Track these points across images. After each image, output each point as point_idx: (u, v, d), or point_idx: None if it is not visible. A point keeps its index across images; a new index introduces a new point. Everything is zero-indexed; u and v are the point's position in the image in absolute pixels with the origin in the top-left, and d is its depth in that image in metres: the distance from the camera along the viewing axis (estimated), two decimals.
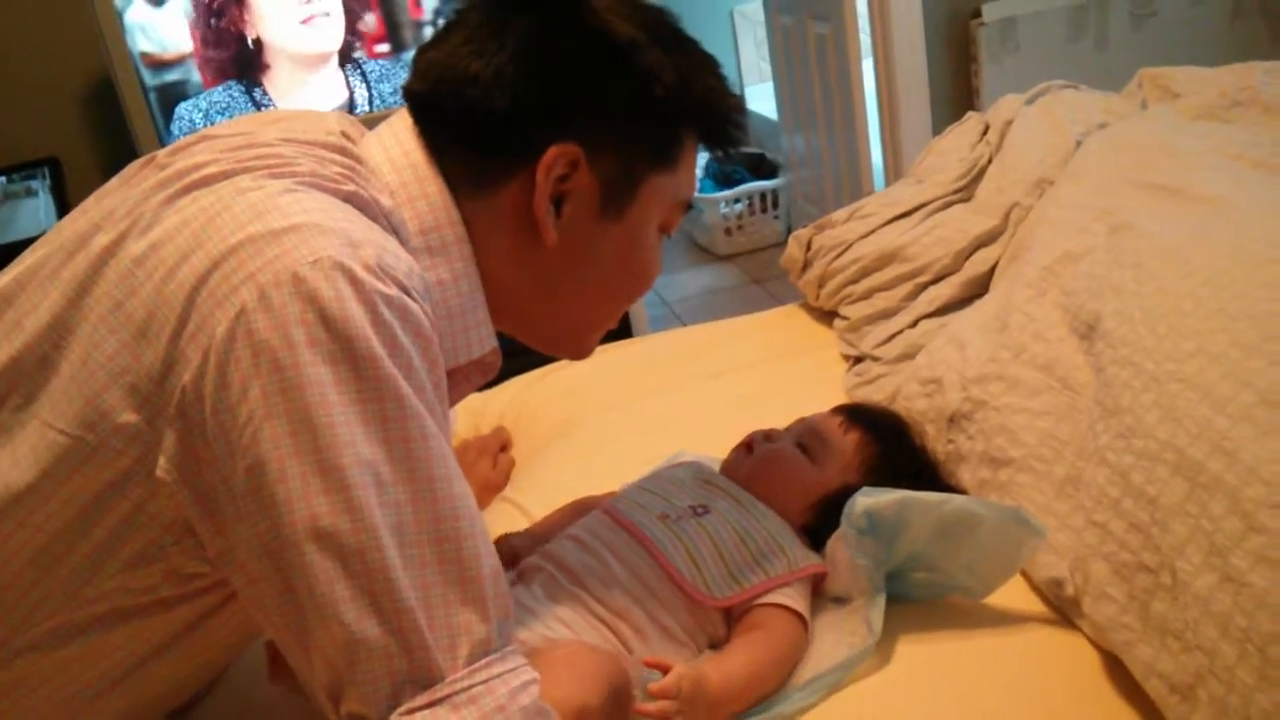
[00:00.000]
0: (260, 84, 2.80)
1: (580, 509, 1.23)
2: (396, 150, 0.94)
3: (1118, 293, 1.15)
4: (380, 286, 0.78)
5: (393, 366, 0.77)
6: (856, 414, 1.28)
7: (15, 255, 0.92)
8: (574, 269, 0.97)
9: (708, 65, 0.98)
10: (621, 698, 0.94)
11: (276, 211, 0.80)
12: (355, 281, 0.77)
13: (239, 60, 2.77)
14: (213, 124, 2.71)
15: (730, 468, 1.23)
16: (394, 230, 0.89)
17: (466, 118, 0.92)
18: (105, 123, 2.92)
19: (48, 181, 2.79)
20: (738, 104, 1.00)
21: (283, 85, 2.82)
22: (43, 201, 2.70)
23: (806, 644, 1.08)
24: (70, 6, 2.78)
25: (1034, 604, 1.12)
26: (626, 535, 1.10)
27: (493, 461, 1.61)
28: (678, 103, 0.95)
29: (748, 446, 1.23)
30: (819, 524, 1.15)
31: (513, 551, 1.16)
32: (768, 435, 1.24)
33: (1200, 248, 1.11)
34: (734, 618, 1.08)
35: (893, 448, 1.25)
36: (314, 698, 0.78)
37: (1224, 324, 0.99)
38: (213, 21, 2.71)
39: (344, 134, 0.93)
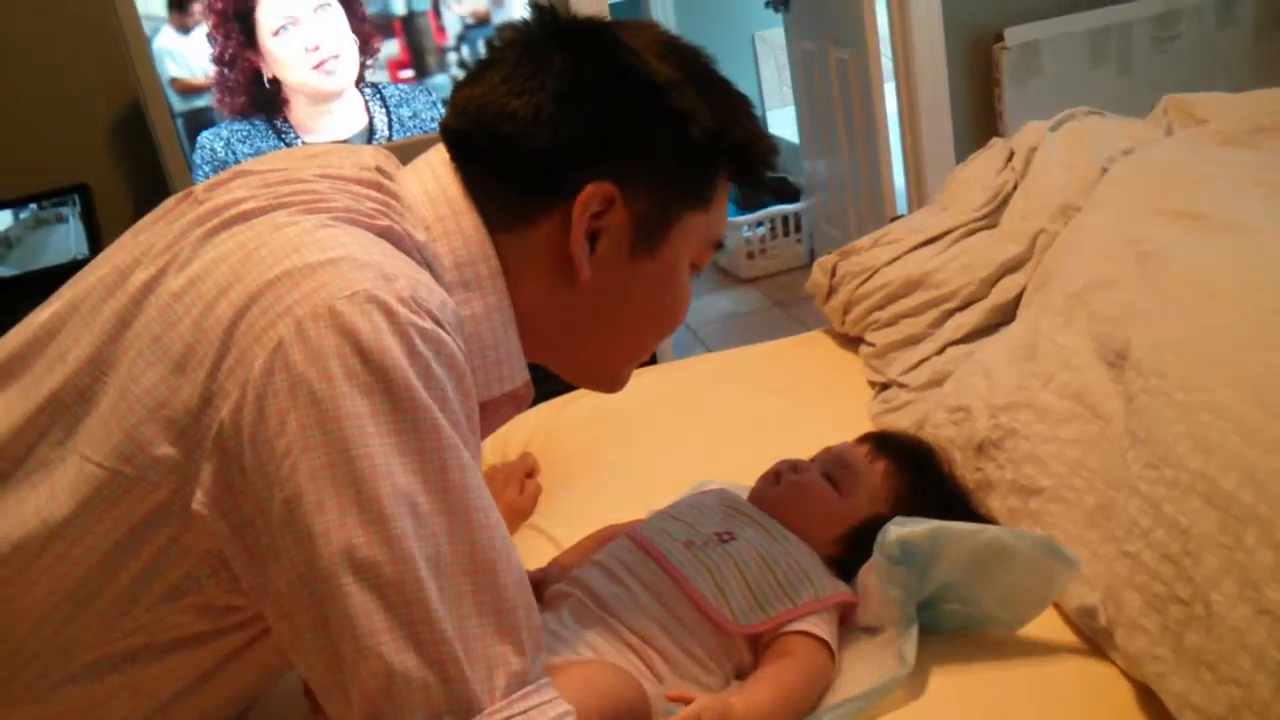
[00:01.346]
0: (281, 114, 2.84)
1: (605, 539, 1.23)
2: (433, 185, 0.95)
3: (1146, 321, 1.15)
4: (415, 319, 0.79)
5: (429, 398, 0.78)
6: (883, 442, 1.27)
7: (47, 281, 0.93)
8: (607, 305, 0.98)
9: (742, 107, 0.99)
10: (638, 713, 0.94)
11: (313, 246, 0.81)
12: (390, 314, 0.78)
13: (257, 101, 2.81)
14: (234, 152, 2.77)
15: (757, 498, 1.22)
16: (427, 264, 0.90)
17: (504, 154, 0.93)
18: (134, 149, 2.94)
19: (78, 208, 2.82)
20: (771, 146, 1.01)
21: (302, 116, 2.86)
22: (73, 228, 2.73)
23: (834, 673, 1.07)
24: (99, 34, 2.81)
25: (1065, 634, 1.11)
26: (652, 563, 1.10)
27: (519, 488, 1.61)
28: (713, 144, 0.96)
29: (775, 477, 1.23)
30: (847, 555, 1.14)
31: (540, 583, 1.16)
32: (794, 466, 1.23)
33: (1228, 276, 1.11)
34: (760, 645, 1.08)
35: (921, 477, 1.24)
36: None
37: (1255, 354, 0.99)
38: (226, 71, 2.76)
39: (379, 169, 0.94)
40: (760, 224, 4.40)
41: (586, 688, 0.91)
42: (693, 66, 0.97)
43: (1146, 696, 0.99)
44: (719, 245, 1.04)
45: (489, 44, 0.98)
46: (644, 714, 0.96)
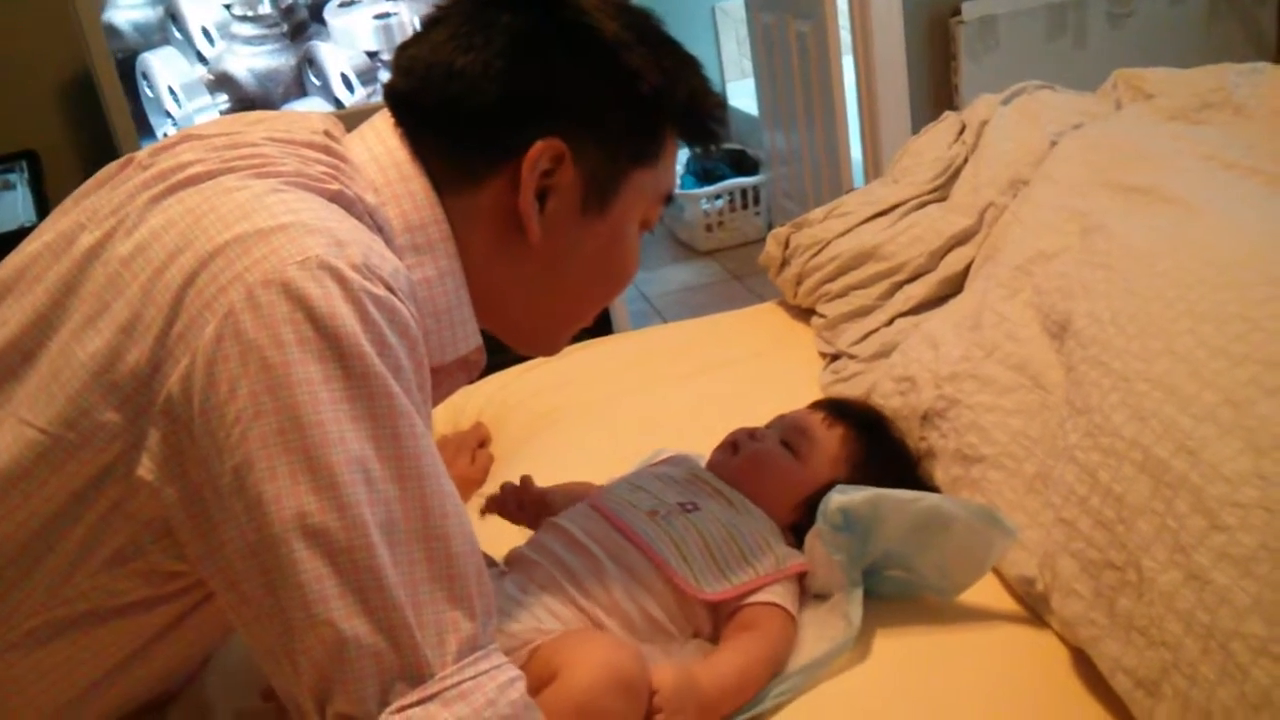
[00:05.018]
0: None
1: (578, 494, 1.23)
2: (380, 148, 0.94)
3: (1088, 293, 1.17)
4: (368, 286, 0.79)
5: (381, 365, 0.78)
6: (838, 408, 1.29)
7: None
8: (556, 264, 0.98)
9: (691, 65, 0.99)
10: (637, 685, 0.95)
11: (263, 211, 0.80)
12: (343, 281, 0.77)
13: None
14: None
15: (716, 468, 1.23)
16: (378, 228, 0.90)
17: (451, 112, 0.93)
18: (83, 116, 2.90)
19: (25, 175, 2.78)
20: (719, 102, 1.02)
21: None
22: (20, 195, 2.69)
23: (795, 642, 1.09)
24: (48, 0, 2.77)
25: (1006, 601, 1.13)
26: (617, 533, 1.10)
27: (471, 457, 1.61)
28: (662, 101, 0.96)
29: (733, 446, 1.23)
30: (808, 521, 1.14)
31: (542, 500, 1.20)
32: (752, 434, 1.24)
33: (1169, 249, 1.13)
34: (721, 614, 1.09)
35: (877, 441, 1.26)
36: (296, 704, 0.77)
37: (1190, 325, 1.00)
38: None
39: (327, 133, 0.93)
40: (719, 196, 4.40)
41: (588, 653, 0.93)
42: (641, 26, 0.97)
43: (1081, 660, 1.02)
44: (668, 200, 1.04)
45: (436, 4, 0.98)
46: (643, 682, 0.96)
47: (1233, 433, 0.89)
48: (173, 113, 2.61)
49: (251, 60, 2.68)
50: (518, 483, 1.25)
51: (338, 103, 2.77)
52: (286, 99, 2.73)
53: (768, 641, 1.05)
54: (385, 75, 2.71)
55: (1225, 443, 0.89)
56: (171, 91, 2.60)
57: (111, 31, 2.57)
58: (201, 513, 0.78)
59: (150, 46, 2.59)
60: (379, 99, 2.75)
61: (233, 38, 2.64)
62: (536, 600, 1.04)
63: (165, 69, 2.59)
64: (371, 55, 2.75)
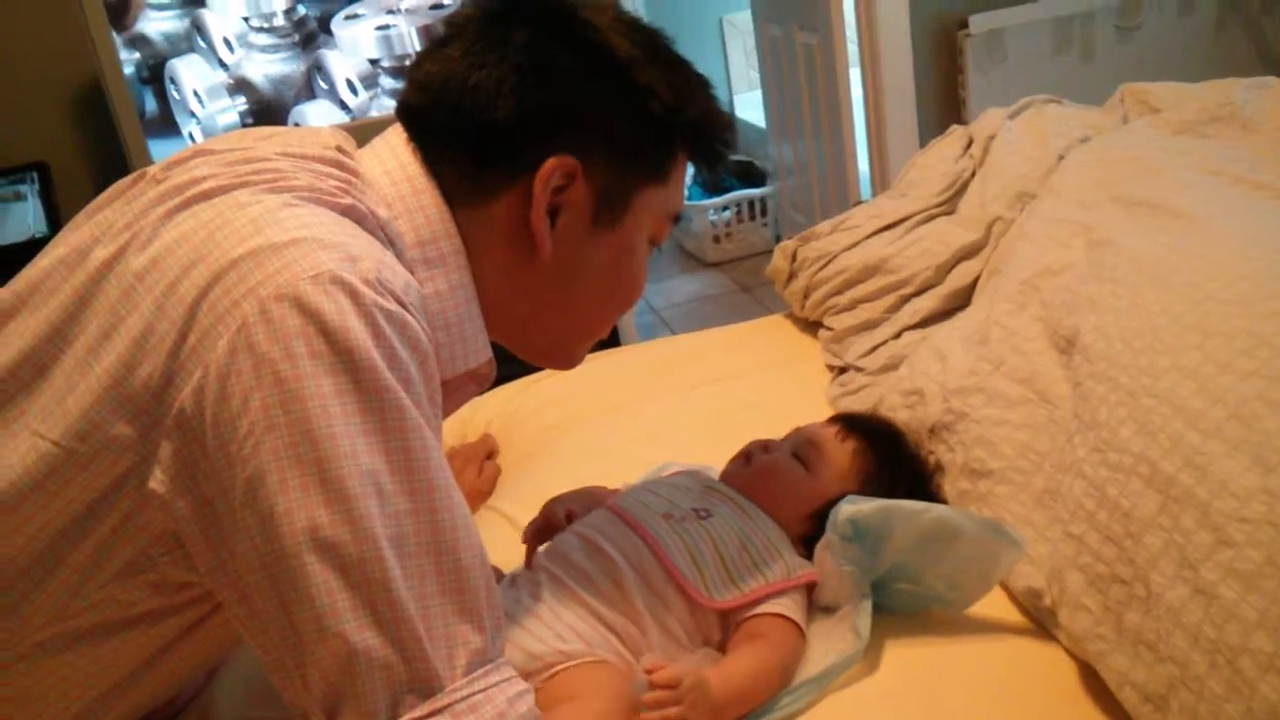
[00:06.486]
0: None
1: (593, 496, 1.24)
2: (392, 163, 0.95)
3: (1095, 308, 1.17)
4: (380, 300, 0.79)
5: (393, 379, 0.78)
6: (852, 423, 1.29)
7: (5, 259, 0.92)
8: (566, 279, 0.98)
9: (701, 85, 1.00)
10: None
11: (276, 226, 0.81)
12: (355, 295, 0.78)
13: None
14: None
15: (728, 478, 1.24)
16: (390, 242, 0.90)
17: (465, 127, 0.93)
18: (94, 127, 2.92)
19: (36, 186, 2.79)
20: (728, 123, 1.03)
21: None
22: (31, 206, 2.70)
23: (803, 653, 1.09)
24: (60, 11, 2.79)
25: (1013, 614, 1.13)
26: (632, 534, 1.11)
27: (479, 469, 1.62)
28: (673, 119, 0.97)
29: (746, 457, 1.25)
30: (817, 533, 1.15)
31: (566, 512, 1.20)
32: (765, 446, 1.25)
33: (1176, 264, 1.13)
34: (731, 622, 1.09)
35: (889, 456, 1.26)
36: (305, 716, 0.78)
37: (1197, 340, 1.01)
38: None
39: (339, 148, 0.94)
40: (726, 208, 4.41)
41: (597, 693, 0.93)
42: (653, 45, 0.98)
43: (1089, 675, 1.01)
44: (677, 219, 1.05)
45: (448, 20, 0.99)
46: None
47: (1240, 448, 0.90)
48: (197, 113, 2.90)
49: (267, 66, 2.95)
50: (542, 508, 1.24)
51: (343, 105, 3.03)
52: (298, 102, 2.99)
53: (776, 652, 1.06)
54: (386, 81, 2.98)
55: (1232, 458, 0.89)
56: (196, 94, 2.90)
57: (143, 40, 2.80)
58: (213, 525, 0.78)
59: (178, 54, 2.86)
60: (380, 102, 2.95)
61: (250, 46, 2.92)
62: (556, 616, 1.04)
63: (190, 74, 2.87)
64: (373, 63, 3.04)
